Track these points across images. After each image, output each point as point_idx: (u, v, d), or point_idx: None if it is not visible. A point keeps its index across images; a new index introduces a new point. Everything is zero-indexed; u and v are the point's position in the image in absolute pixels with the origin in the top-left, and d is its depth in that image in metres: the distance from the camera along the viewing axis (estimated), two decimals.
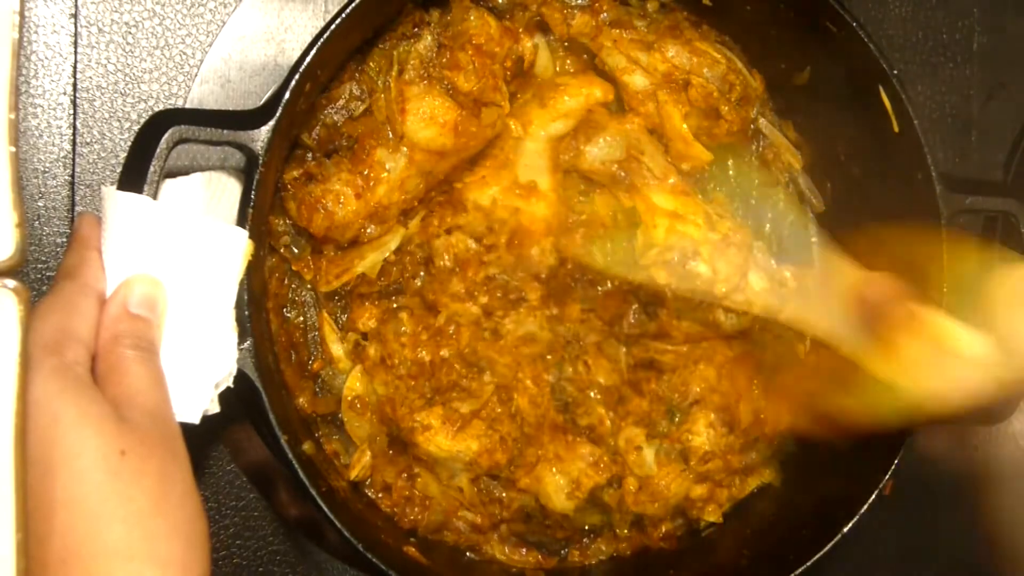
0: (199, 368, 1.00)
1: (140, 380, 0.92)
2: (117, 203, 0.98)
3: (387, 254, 1.18)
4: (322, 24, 1.10)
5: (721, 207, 1.21)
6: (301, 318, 1.19)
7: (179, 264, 0.99)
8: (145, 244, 0.98)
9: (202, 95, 1.25)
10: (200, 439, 1.24)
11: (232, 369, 1.03)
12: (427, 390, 1.14)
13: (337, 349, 1.18)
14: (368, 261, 1.17)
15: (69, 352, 0.90)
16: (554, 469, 1.17)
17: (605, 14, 1.23)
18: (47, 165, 1.22)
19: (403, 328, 1.17)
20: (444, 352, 1.15)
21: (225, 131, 1.03)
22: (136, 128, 1.19)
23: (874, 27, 1.33)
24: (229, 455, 1.27)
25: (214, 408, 1.02)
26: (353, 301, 1.19)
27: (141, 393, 0.91)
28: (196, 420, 1.00)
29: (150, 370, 0.94)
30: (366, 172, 1.13)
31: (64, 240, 1.22)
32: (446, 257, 1.16)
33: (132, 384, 0.92)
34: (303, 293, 1.19)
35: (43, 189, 1.22)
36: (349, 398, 1.16)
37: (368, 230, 1.16)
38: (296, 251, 1.18)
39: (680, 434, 1.22)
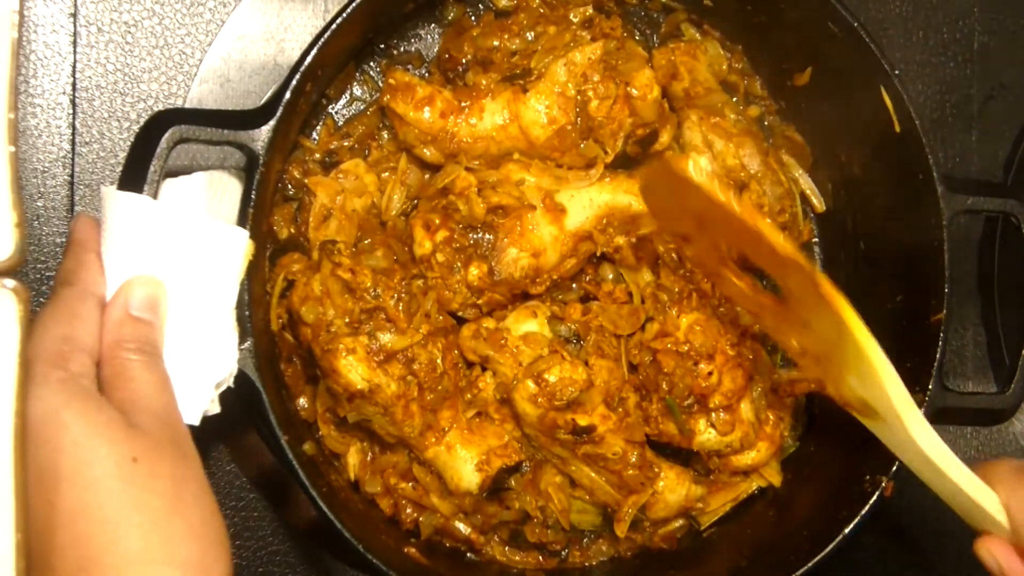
0: (200, 369, 1.00)
1: (146, 384, 0.92)
2: (117, 203, 0.98)
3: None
4: (322, 24, 1.10)
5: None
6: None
7: (180, 264, 0.99)
8: (145, 244, 0.98)
9: (201, 95, 1.25)
10: (199, 440, 1.24)
11: (233, 369, 1.02)
12: (356, 316, 1.12)
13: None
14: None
15: (73, 363, 0.90)
16: (461, 445, 1.17)
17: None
18: (46, 165, 1.22)
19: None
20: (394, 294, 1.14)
21: (225, 131, 1.03)
22: (136, 128, 1.20)
23: (875, 27, 1.33)
24: (235, 463, 1.26)
25: (214, 409, 1.02)
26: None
27: (148, 397, 0.91)
28: (196, 421, 0.99)
29: (155, 373, 0.94)
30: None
31: (63, 240, 1.22)
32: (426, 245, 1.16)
33: (138, 389, 0.92)
34: None
35: (42, 189, 1.22)
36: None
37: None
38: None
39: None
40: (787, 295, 1.03)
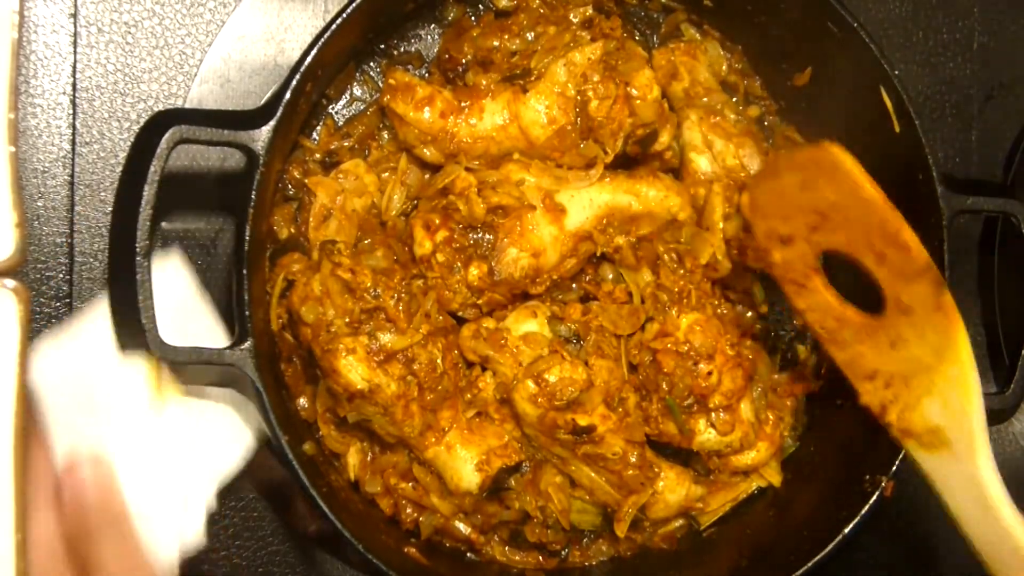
0: (179, 503, 1.02)
1: (112, 557, 0.94)
2: (49, 368, 0.98)
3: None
4: (322, 24, 1.10)
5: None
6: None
7: (124, 413, 1.00)
8: (84, 395, 0.99)
9: (202, 95, 1.25)
10: None
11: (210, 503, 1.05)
12: (356, 316, 1.13)
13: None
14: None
15: (34, 571, 0.92)
16: (461, 445, 1.17)
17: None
18: (47, 165, 1.22)
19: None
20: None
21: (226, 131, 1.04)
22: (136, 128, 1.20)
23: (874, 27, 1.32)
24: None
25: (199, 541, 1.03)
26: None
27: (116, 570, 0.94)
28: (174, 558, 1.00)
29: (119, 544, 0.95)
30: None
31: (63, 240, 1.22)
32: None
33: (104, 563, 0.94)
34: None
35: (43, 189, 1.22)
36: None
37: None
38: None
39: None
40: (892, 307, 1.02)
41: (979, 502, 0.98)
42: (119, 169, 1.17)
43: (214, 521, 1.25)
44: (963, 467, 0.99)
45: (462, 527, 1.21)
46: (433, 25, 1.27)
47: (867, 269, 1.02)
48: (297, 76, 1.07)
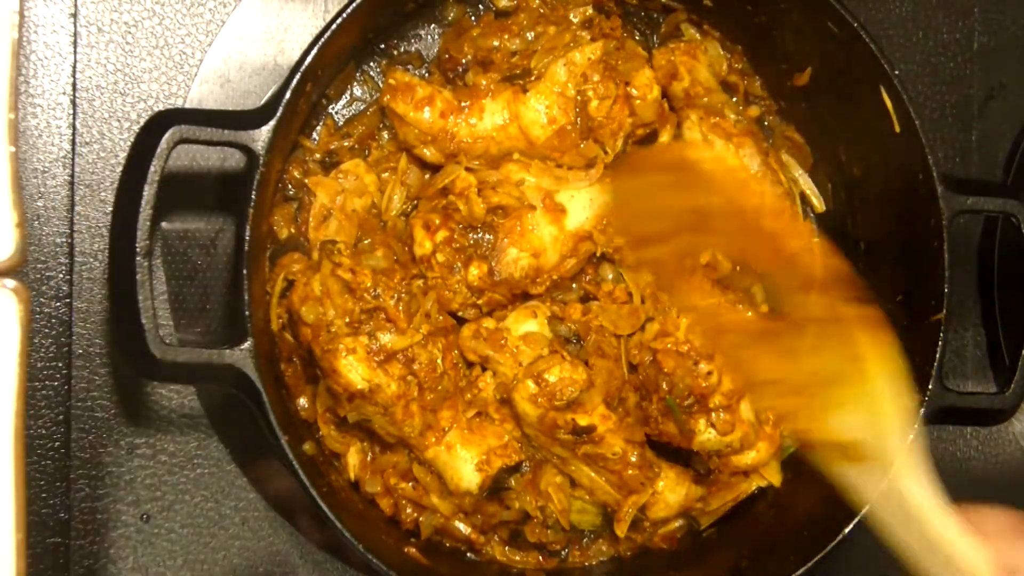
0: None
1: None
2: None
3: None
4: (322, 24, 1.10)
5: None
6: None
7: None
8: None
9: (202, 95, 1.25)
10: (199, 435, 1.25)
11: None
12: (356, 316, 1.12)
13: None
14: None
15: None
16: (461, 445, 1.17)
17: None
18: (47, 165, 1.22)
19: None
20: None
21: (226, 131, 1.04)
22: (136, 128, 1.20)
23: (874, 27, 1.32)
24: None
25: None
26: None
27: None
28: None
29: None
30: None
31: (63, 240, 1.22)
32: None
33: None
34: None
35: (43, 189, 1.22)
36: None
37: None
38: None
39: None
40: (791, 316, 0.98)
41: (905, 515, 0.94)
42: (119, 169, 1.17)
43: (213, 521, 1.26)
44: (886, 481, 0.95)
45: (462, 527, 1.21)
46: (433, 25, 1.27)
47: (759, 275, 0.98)
48: (297, 76, 1.07)
